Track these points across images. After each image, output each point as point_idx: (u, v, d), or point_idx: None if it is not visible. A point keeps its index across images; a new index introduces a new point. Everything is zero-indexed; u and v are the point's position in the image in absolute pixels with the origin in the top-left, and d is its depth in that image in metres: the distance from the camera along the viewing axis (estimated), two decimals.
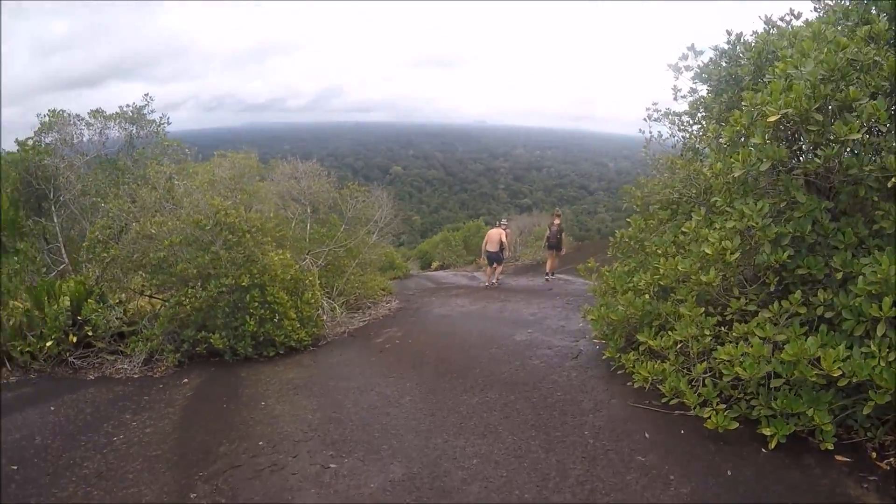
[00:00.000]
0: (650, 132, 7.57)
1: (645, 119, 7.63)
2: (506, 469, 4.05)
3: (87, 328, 8.01)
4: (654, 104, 7.58)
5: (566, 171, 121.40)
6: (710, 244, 4.17)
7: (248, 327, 8.24)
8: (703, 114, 6.66)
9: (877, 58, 3.93)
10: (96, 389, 6.76)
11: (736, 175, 4.14)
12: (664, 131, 7.59)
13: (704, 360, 4.36)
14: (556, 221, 15.78)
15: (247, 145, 17.35)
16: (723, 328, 4.42)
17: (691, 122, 7.22)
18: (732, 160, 4.18)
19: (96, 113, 11.94)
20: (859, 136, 3.67)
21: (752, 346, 3.73)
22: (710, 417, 4.02)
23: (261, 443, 4.93)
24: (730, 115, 4.66)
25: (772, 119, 3.90)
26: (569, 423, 4.66)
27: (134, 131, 12.64)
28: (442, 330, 9.44)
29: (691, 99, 6.76)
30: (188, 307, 8.18)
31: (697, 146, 6.56)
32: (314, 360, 8.47)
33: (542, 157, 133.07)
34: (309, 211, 14.93)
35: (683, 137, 7.38)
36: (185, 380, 7.28)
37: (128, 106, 12.48)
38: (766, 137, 4.03)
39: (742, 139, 4.49)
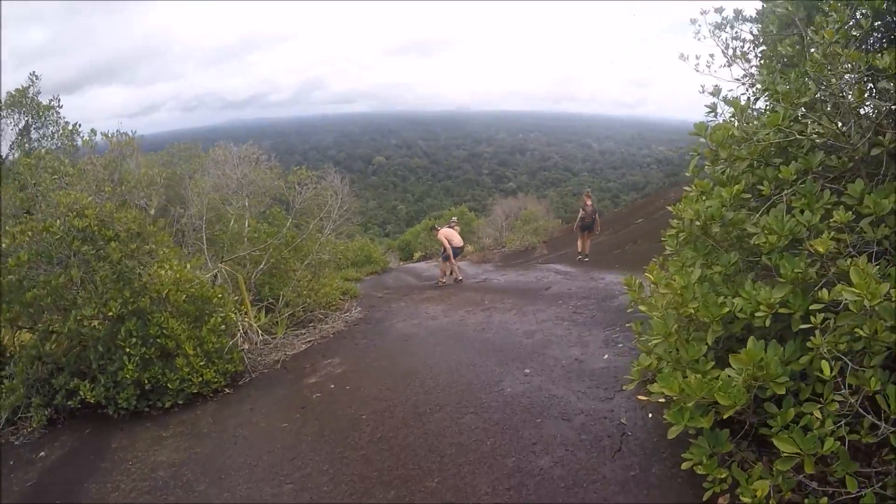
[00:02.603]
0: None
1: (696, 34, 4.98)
2: None
3: None
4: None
5: (550, 154, 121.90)
6: None
7: (125, 373, 6.04)
8: None
9: None
10: None
11: None
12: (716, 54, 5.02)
13: None
14: (589, 202, 14.87)
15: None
16: None
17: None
18: None
19: None
20: None
21: None
22: None
23: None
24: None
25: None
26: None
27: (28, 121, 9.95)
28: (398, 365, 6.52)
29: None
30: (52, 346, 6.50)
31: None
32: (213, 420, 5.87)
33: (525, 141, 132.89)
34: (247, 204, 12.07)
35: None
36: (44, 452, 5.55)
37: (15, 90, 9.72)
38: None
39: None
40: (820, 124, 3.26)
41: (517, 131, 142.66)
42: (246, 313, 8.80)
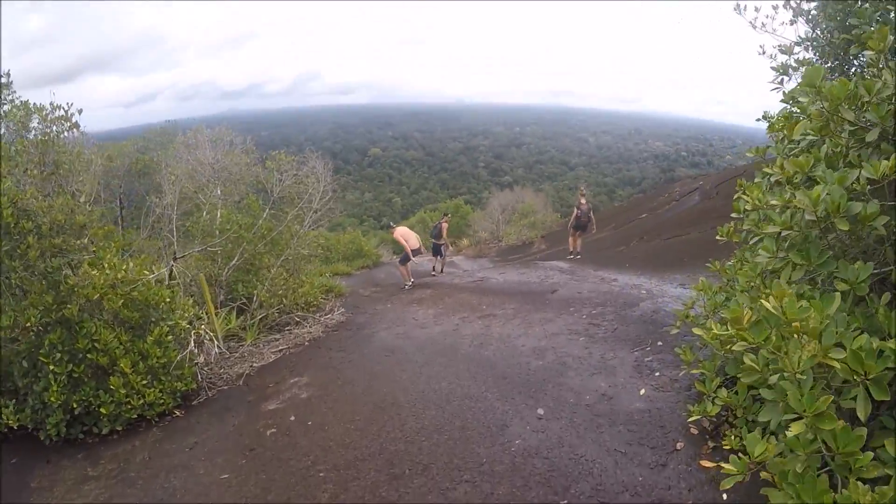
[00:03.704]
0: None
1: None
2: None
3: None
4: None
5: (546, 148, 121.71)
6: None
7: (51, 395, 4.98)
8: None
9: None
10: None
11: None
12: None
13: None
14: (583, 201, 14.56)
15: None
16: None
17: None
18: None
19: None
20: None
21: None
22: None
23: None
24: None
25: None
26: None
27: None
28: (374, 392, 5.32)
29: None
30: None
31: None
32: (150, 456, 4.77)
33: (521, 134, 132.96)
34: (219, 192, 10.93)
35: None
36: None
37: None
38: None
39: None
40: None
41: (514, 124, 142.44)
42: (206, 319, 7.60)
